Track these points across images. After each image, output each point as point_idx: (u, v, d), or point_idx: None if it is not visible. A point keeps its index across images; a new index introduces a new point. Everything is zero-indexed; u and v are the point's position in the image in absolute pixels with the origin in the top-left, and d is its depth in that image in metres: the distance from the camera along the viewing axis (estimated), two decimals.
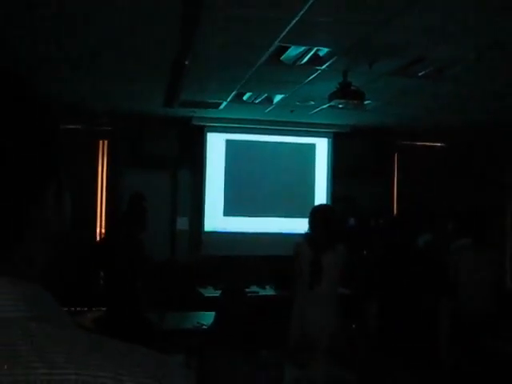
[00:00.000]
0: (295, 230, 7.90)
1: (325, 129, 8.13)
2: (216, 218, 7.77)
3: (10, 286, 0.66)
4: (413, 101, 6.37)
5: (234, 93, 6.14)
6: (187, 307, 5.75)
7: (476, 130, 8.09)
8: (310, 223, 4.44)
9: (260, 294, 6.36)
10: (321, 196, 8.05)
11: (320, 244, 4.29)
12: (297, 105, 6.72)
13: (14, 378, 0.58)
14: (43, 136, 0.74)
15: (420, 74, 5.11)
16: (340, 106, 5.66)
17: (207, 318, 4.27)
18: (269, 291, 6.48)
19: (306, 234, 4.53)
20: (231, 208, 7.77)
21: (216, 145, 7.91)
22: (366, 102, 6.51)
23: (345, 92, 4.86)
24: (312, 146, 8.25)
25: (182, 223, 7.89)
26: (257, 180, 7.88)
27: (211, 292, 6.06)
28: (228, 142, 7.95)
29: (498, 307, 4.15)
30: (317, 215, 4.44)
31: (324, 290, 4.16)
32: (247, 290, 6.17)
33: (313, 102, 6.53)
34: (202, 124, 7.76)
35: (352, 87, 4.97)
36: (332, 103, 5.37)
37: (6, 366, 0.59)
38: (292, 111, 6.99)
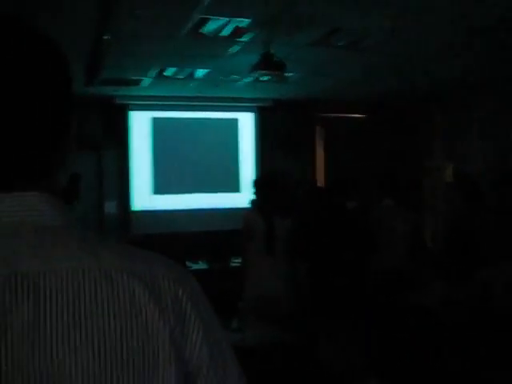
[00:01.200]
0: (224, 205, 8.00)
1: (249, 103, 8.20)
2: (145, 197, 7.72)
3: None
4: (333, 72, 6.53)
5: (156, 69, 6.08)
6: None
7: (396, 101, 8.40)
8: (260, 192, 4.44)
9: (193, 268, 6.40)
10: (248, 170, 8.15)
11: (271, 211, 4.33)
12: (220, 79, 6.74)
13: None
14: (66, 74, 0.80)
15: (339, 45, 5.24)
16: (263, 77, 5.76)
17: None
18: (202, 265, 6.53)
19: (254, 204, 4.54)
20: (159, 186, 7.74)
21: (141, 123, 7.83)
22: (288, 74, 6.64)
23: (267, 63, 4.92)
24: (236, 121, 8.32)
25: (110, 207, 7.80)
26: (184, 157, 7.87)
27: None
28: (153, 119, 7.88)
29: (416, 264, 4.38)
30: (268, 183, 4.47)
31: (279, 256, 4.22)
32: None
33: (236, 76, 6.57)
34: (126, 102, 7.65)
35: (274, 58, 5.04)
36: (255, 75, 5.44)
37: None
38: (216, 86, 7.00)
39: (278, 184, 4.48)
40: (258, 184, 4.58)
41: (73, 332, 0.66)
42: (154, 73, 6.28)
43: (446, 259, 5.57)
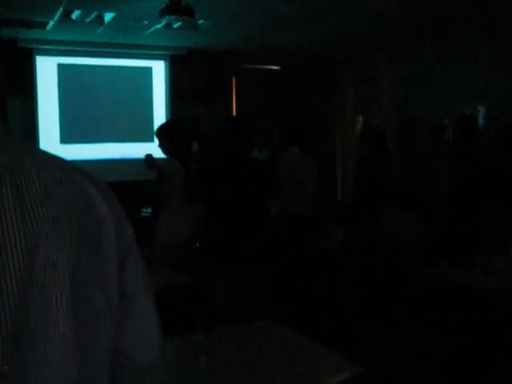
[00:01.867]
0: (136, 155, 7.86)
1: (161, 51, 8.02)
2: (52, 146, 7.46)
3: None
4: (245, 21, 6.48)
5: (60, 10, 5.81)
6: None
7: (309, 53, 8.47)
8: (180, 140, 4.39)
9: None
10: (160, 120, 8.02)
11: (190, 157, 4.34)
12: (130, 25, 6.54)
13: None
14: None
15: None
16: (172, 23, 5.63)
17: None
18: None
19: (167, 152, 4.45)
20: (68, 135, 7.50)
21: (47, 69, 7.50)
22: (199, 22, 6.54)
23: (174, 8, 4.82)
24: (148, 69, 8.13)
25: None
26: (94, 105, 7.64)
27: None
28: (60, 66, 7.56)
29: (321, 210, 4.54)
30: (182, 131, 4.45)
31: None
32: None
33: (146, 22, 6.39)
34: (30, 47, 7.28)
35: (182, 3, 4.95)
36: (164, 21, 5.33)
37: None
38: (125, 31, 6.78)
39: (179, 132, 4.46)
40: (165, 132, 4.53)
41: None
42: (58, 15, 6.00)
43: (348, 207, 5.79)
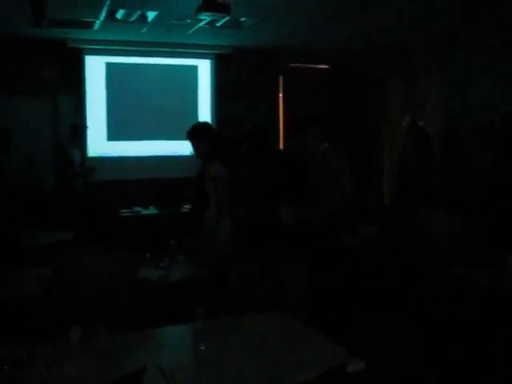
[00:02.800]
0: (179, 153, 7.99)
1: (207, 50, 8.10)
2: (100, 143, 7.67)
3: None
4: (290, 18, 6.45)
5: (105, 9, 5.96)
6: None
7: (359, 52, 8.37)
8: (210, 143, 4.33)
9: (143, 213, 6.45)
10: (205, 117, 8.11)
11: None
12: (173, 23, 6.64)
13: None
14: None
15: None
16: (211, 21, 5.69)
17: None
18: (152, 210, 6.57)
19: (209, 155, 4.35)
20: (115, 132, 7.68)
21: (96, 68, 7.71)
22: (242, 19, 6.58)
23: (210, 5, 4.86)
24: (194, 68, 8.23)
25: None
26: (140, 103, 7.80)
27: None
28: (108, 65, 7.77)
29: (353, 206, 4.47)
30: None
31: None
32: (129, 210, 6.28)
33: (189, 20, 6.47)
34: (79, 46, 7.51)
35: (219, 0, 4.98)
36: (201, 18, 5.38)
37: None
38: (169, 30, 6.89)
39: (209, 135, 4.40)
40: (194, 135, 4.47)
41: None
42: (103, 14, 6.16)
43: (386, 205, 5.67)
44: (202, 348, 2.22)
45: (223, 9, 4.96)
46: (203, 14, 4.96)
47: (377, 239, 4.26)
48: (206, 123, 5.04)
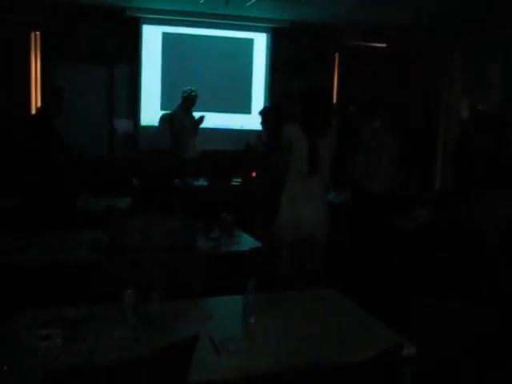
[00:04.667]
0: (233, 126, 7.97)
1: (264, 23, 8.01)
2: (153, 112, 7.72)
3: None
4: None
5: None
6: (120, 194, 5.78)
7: (417, 31, 8.12)
8: (307, 105, 3.71)
9: (194, 184, 6.48)
10: (259, 92, 8.06)
11: (318, 128, 3.69)
12: None
13: None
14: None
15: None
16: None
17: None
18: (202, 182, 6.59)
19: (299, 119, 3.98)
20: (168, 102, 7.69)
21: (152, 38, 7.74)
22: None
23: None
24: (250, 41, 8.16)
25: (120, 123, 7.87)
26: (194, 74, 7.79)
27: None
28: (165, 34, 7.77)
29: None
30: (316, 97, 3.74)
31: (321, 177, 3.70)
32: (181, 181, 6.31)
33: None
34: (137, 15, 7.54)
35: None
36: None
37: None
38: (227, 2, 6.82)
39: (323, 97, 3.84)
40: (303, 97, 4.06)
41: None
42: None
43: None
44: (252, 321, 2.21)
45: None
46: None
47: (432, 224, 4.16)
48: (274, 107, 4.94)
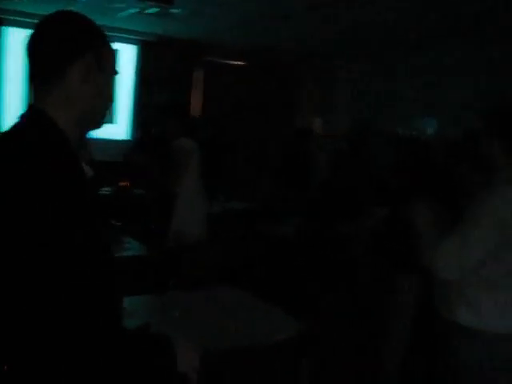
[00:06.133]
0: (96, 135, 7.92)
1: (132, 35, 8.09)
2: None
3: None
4: (218, 13, 6.66)
5: None
6: None
7: (276, 51, 8.72)
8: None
9: None
10: (125, 103, 8.11)
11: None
12: (105, 6, 6.62)
13: None
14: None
15: None
16: (150, 10, 5.78)
17: None
18: None
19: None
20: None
21: (17, 42, 7.48)
22: (174, 11, 6.71)
23: None
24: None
25: None
26: None
27: None
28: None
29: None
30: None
31: None
32: None
33: (122, 5, 6.49)
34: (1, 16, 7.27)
35: None
36: (142, 5, 5.47)
37: None
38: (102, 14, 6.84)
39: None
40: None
41: None
42: None
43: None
44: (177, 314, 2.44)
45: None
46: (147, 2, 5.07)
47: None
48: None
